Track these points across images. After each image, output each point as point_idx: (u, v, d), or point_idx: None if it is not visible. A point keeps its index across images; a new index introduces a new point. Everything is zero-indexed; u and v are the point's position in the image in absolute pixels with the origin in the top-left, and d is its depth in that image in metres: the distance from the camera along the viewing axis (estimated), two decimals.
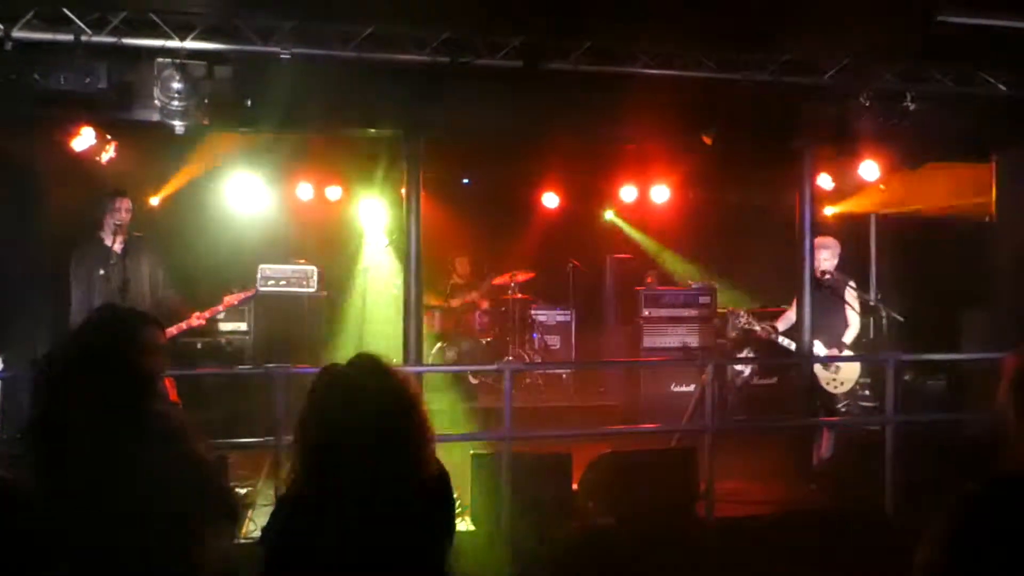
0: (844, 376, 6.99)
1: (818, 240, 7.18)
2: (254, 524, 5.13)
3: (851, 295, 7.15)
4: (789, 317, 7.26)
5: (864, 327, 9.49)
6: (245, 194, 9.34)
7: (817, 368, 6.94)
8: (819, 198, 8.98)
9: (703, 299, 9.21)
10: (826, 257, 7.14)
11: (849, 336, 7.06)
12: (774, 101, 6.41)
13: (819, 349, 6.98)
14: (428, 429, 2.33)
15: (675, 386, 8.71)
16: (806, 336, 6.81)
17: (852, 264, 9.29)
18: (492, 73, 5.99)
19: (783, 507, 6.12)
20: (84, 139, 6.45)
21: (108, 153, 6.49)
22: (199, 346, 8.14)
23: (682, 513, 5.76)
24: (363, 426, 2.23)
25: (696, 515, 5.76)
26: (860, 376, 7.27)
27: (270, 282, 8.54)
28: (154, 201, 8.94)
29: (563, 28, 5.84)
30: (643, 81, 6.12)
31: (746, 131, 6.74)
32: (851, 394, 8.68)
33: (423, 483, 2.30)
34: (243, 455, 6.39)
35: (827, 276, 7.11)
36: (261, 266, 8.59)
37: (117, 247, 6.00)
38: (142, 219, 6.49)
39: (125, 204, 6.02)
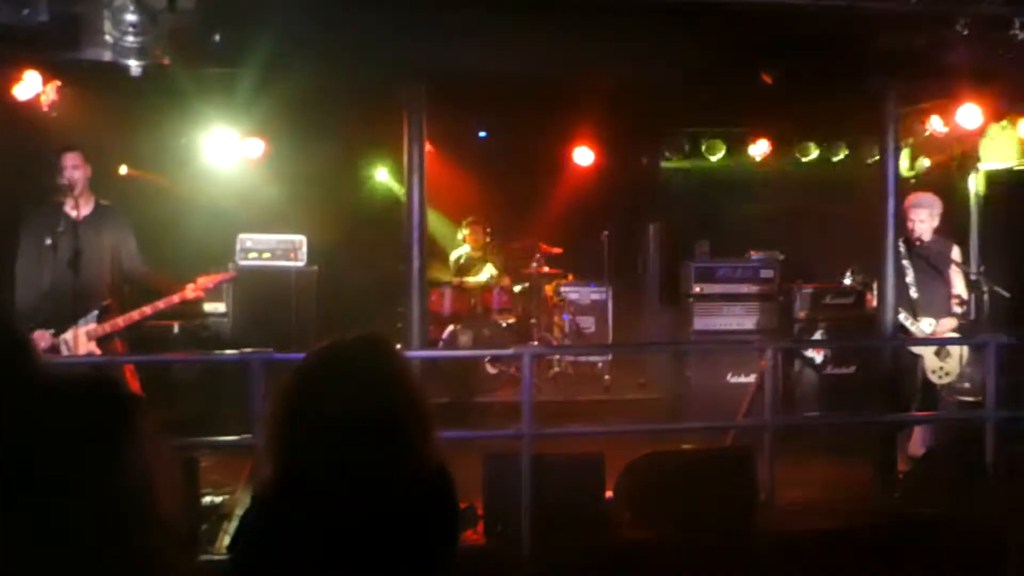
0: (952, 366, 6.97)
1: (912, 198, 7.05)
2: (230, 538, 5.10)
3: (956, 264, 7.09)
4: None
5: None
6: (224, 154, 9.31)
7: (926, 353, 6.89)
8: None
9: (765, 273, 9.02)
10: (923, 219, 6.98)
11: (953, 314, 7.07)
12: (850, 30, 6.20)
13: (927, 329, 6.94)
14: (428, 422, 2.32)
15: (731, 376, 8.60)
16: (888, 315, 6.65)
17: (947, 231, 9.06)
18: (509, 3, 5.84)
19: (859, 520, 5.99)
20: (28, 84, 6.41)
21: (47, 96, 6.45)
22: (175, 331, 8.12)
23: (737, 526, 5.68)
24: (348, 415, 2.21)
25: (754, 529, 5.69)
26: (964, 364, 7.16)
27: (251, 255, 8.54)
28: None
29: None
30: (691, 8, 5.95)
31: (816, 68, 6.56)
32: (948, 385, 8.49)
33: (418, 483, 2.28)
34: (219, 458, 6.45)
35: (925, 243, 7.00)
36: (240, 236, 8.58)
37: (73, 213, 5.98)
38: (107, 185, 6.48)
39: (71, 160, 5.99)
